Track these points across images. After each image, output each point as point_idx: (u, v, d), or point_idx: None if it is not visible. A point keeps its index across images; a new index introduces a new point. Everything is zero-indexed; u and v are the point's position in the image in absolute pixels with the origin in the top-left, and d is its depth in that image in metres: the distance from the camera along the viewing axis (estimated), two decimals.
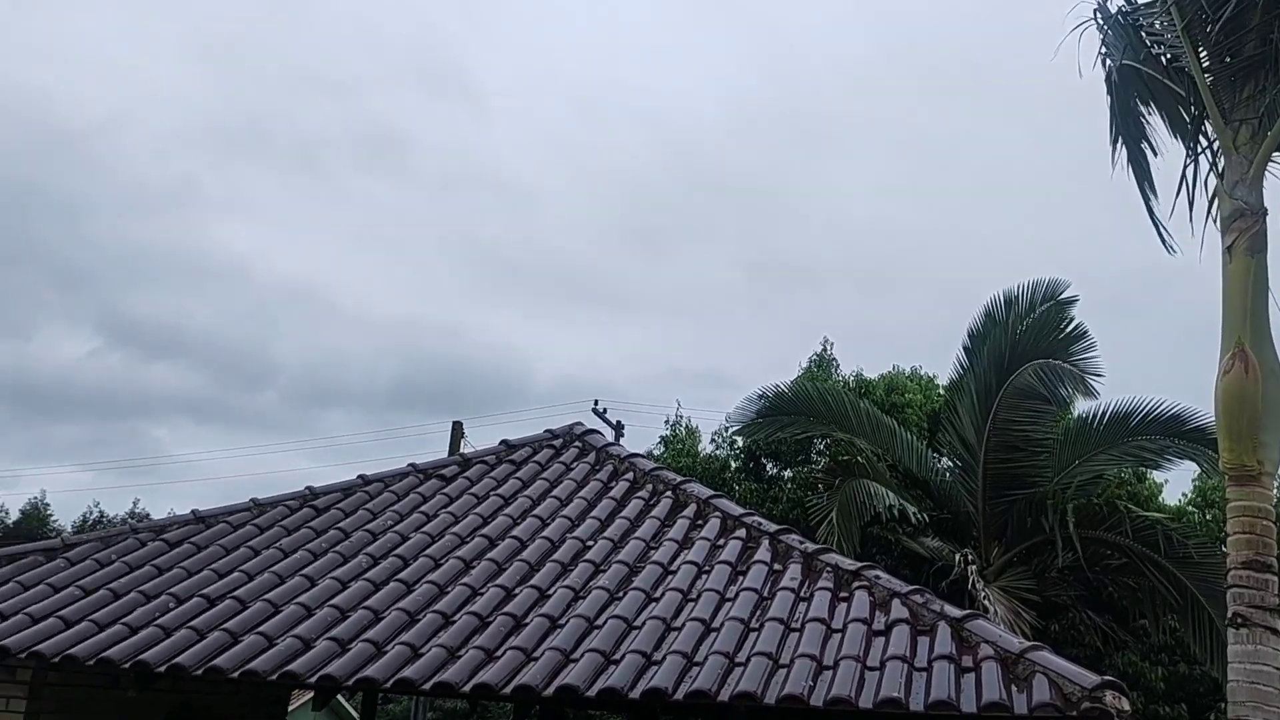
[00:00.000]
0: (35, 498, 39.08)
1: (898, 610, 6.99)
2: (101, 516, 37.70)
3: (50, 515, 38.44)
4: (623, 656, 6.55)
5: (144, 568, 7.87)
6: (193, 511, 8.83)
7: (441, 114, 75.51)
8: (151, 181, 70.19)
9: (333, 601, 7.35)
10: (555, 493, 9.52)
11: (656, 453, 20.69)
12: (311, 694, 7.31)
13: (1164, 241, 10.33)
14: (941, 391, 18.64)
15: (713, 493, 9.50)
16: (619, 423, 33.65)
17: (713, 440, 20.74)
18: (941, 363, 21.22)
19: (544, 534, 8.60)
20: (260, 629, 6.96)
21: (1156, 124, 10.43)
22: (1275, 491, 9.84)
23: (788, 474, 19.11)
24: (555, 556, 8.20)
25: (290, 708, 10.64)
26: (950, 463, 17.18)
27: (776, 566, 7.95)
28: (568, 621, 7.07)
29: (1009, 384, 14.82)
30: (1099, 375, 15.37)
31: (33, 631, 6.92)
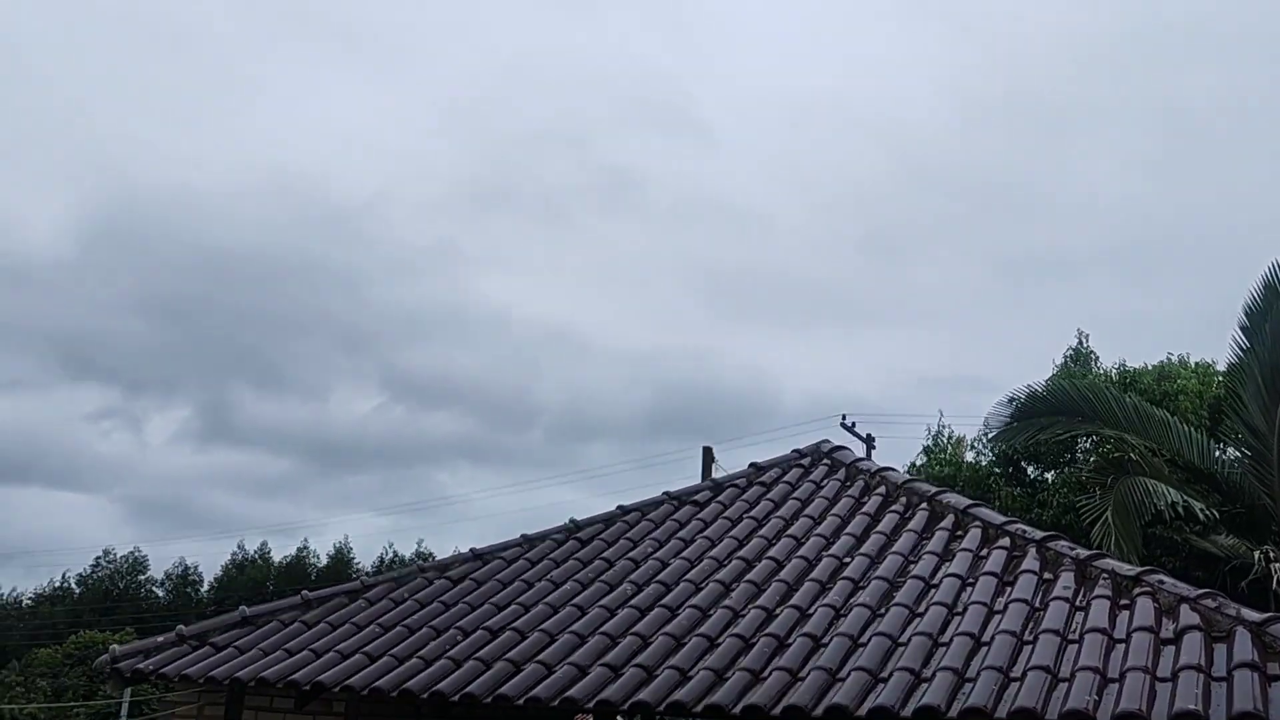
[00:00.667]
0: (339, 543, 42.71)
1: (1187, 616, 6.56)
2: (395, 557, 40.74)
3: (353, 558, 41.91)
4: (890, 674, 6.47)
5: (432, 604, 8.49)
6: (471, 550, 9.44)
7: (671, 149, 77.60)
8: (416, 246, 75.90)
9: (603, 629, 7.67)
10: (808, 511, 9.53)
11: (919, 464, 20.21)
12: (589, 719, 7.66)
13: None
14: (1220, 377, 17.23)
15: (971, 501, 9.23)
16: (869, 436, 33.10)
17: (971, 447, 20.06)
18: (1217, 348, 19.59)
19: (800, 553, 8.63)
20: (539, 658, 7.35)
21: None
22: None
23: (1050, 476, 18.19)
24: (813, 575, 8.20)
25: None
26: (1238, 453, 15.84)
27: (1046, 575, 7.64)
28: (831, 640, 7.05)
29: None
30: None
31: (343, 667, 7.61)
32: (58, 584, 45.62)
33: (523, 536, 9.58)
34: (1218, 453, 16.20)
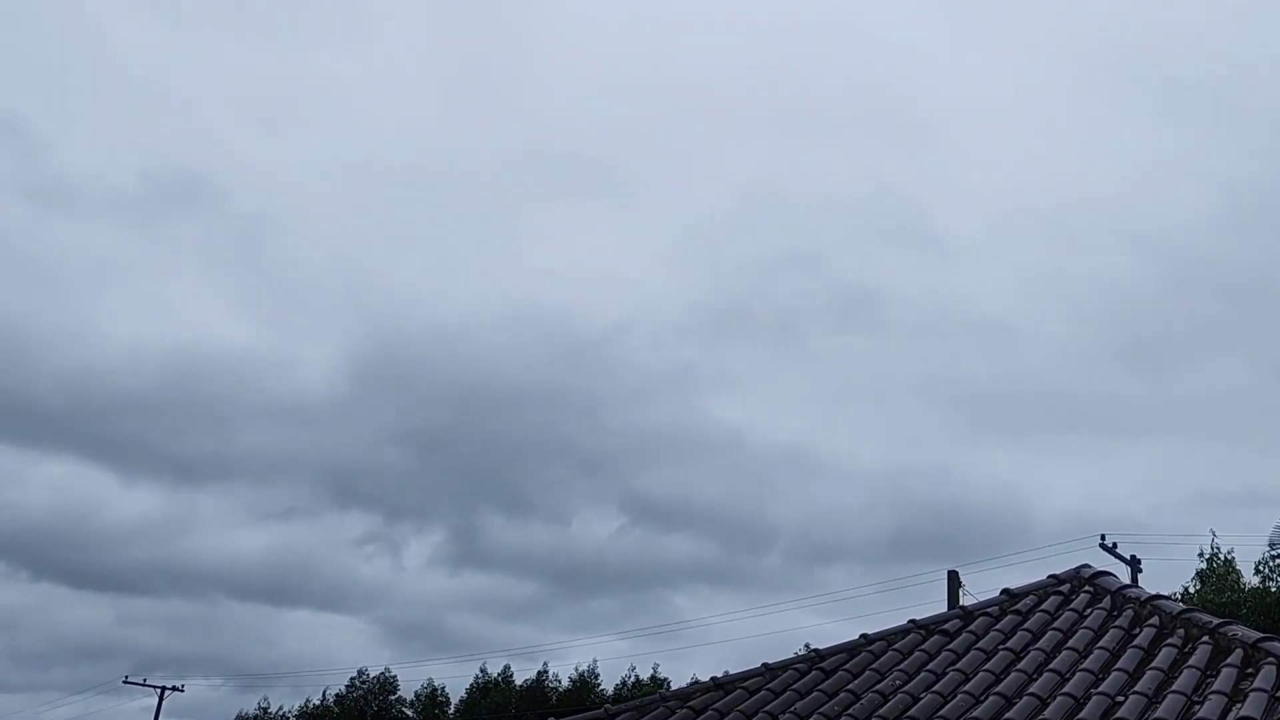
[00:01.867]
0: (583, 666, 43.17)
1: None
2: (636, 681, 40.75)
3: (598, 683, 42.26)
4: None
5: None
6: (712, 679, 9.34)
7: (909, 265, 77.21)
8: (653, 371, 78.32)
9: None
10: (1070, 644, 8.87)
11: (1192, 590, 18.53)
12: None
13: None
14: None
15: (1263, 635, 8.33)
16: (1134, 557, 30.66)
17: (1257, 571, 18.19)
18: None
19: (1065, 690, 8.02)
20: None
21: None
22: None
23: None
24: (1081, 715, 7.59)
25: None
26: None
27: None
28: None
29: None
30: None
31: None
32: (316, 702, 48.16)
33: (764, 666, 9.38)
34: None
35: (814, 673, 9.16)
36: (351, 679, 47.62)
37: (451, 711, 45.36)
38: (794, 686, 8.94)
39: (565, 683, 42.84)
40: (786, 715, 8.41)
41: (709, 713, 8.68)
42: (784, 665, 9.38)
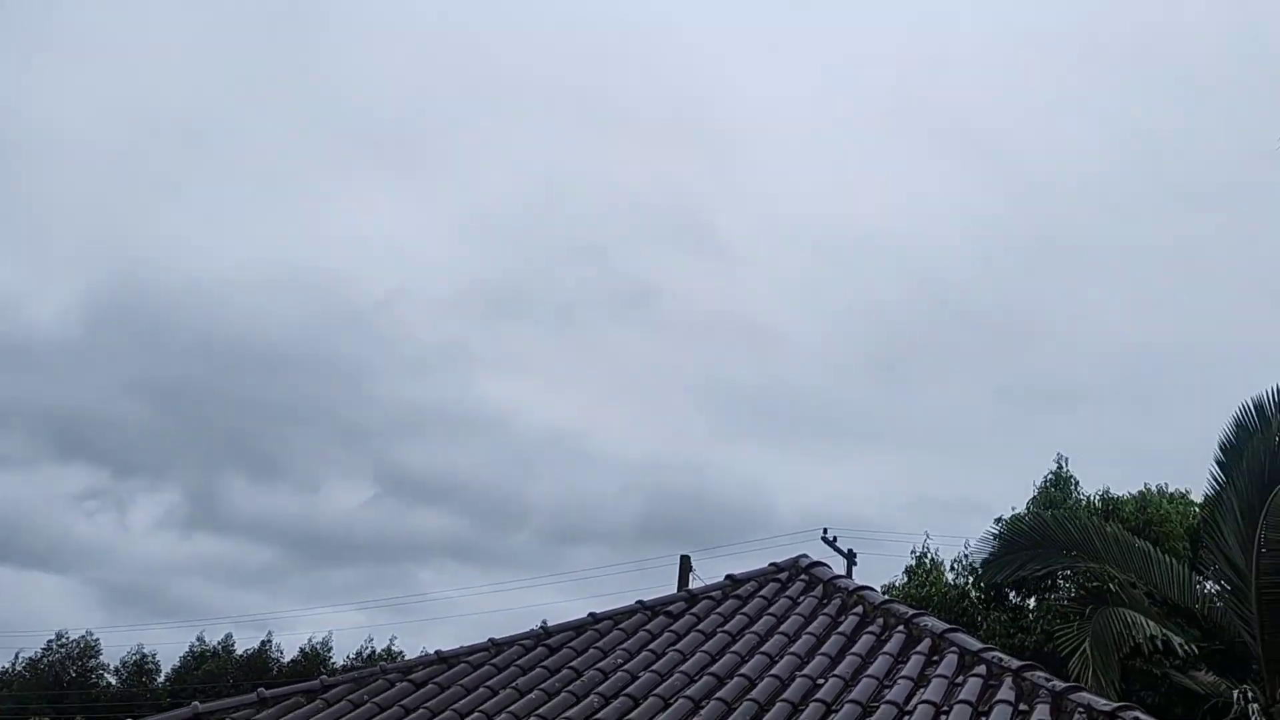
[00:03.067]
0: (315, 638, 41.67)
1: None
2: (373, 653, 39.73)
3: (330, 655, 40.87)
4: None
5: (393, 708, 8.25)
6: (436, 652, 9.22)
7: (690, 265, 79.18)
8: (425, 344, 76.70)
9: None
10: (782, 629, 9.37)
11: (899, 583, 20.03)
12: None
13: None
14: (1197, 508, 17.25)
15: (949, 626, 9.10)
16: (851, 552, 32.84)
17: (952, 569, 19.90)
18: (1196, 478, 19.64)
19: (772, 672, 8.46)
20: None
21: None
22: None
23: (1032, 603, 18.02)
24: (785, 696, 8.02)
25: None
26: (1217, 587, 15.75)
27: (1022, 707, 7.49)
28: None
29: (1272, 500, 13.55)
30: None
31: None
32: (4, 666, 44.22)
33: (490, 641, 9.37)
34: (1197, 586, 16.09)
35: (540, 649, 9.23)
36: (49, 642, 44.01)
37: (161, 680, 42.78)
38: (519, 662, 8.98)
39: (295, 653, 41.31)
40: (508, 690, 8.43)
41: (430, 686, 8.58)
42: (511, 641, 9.40)
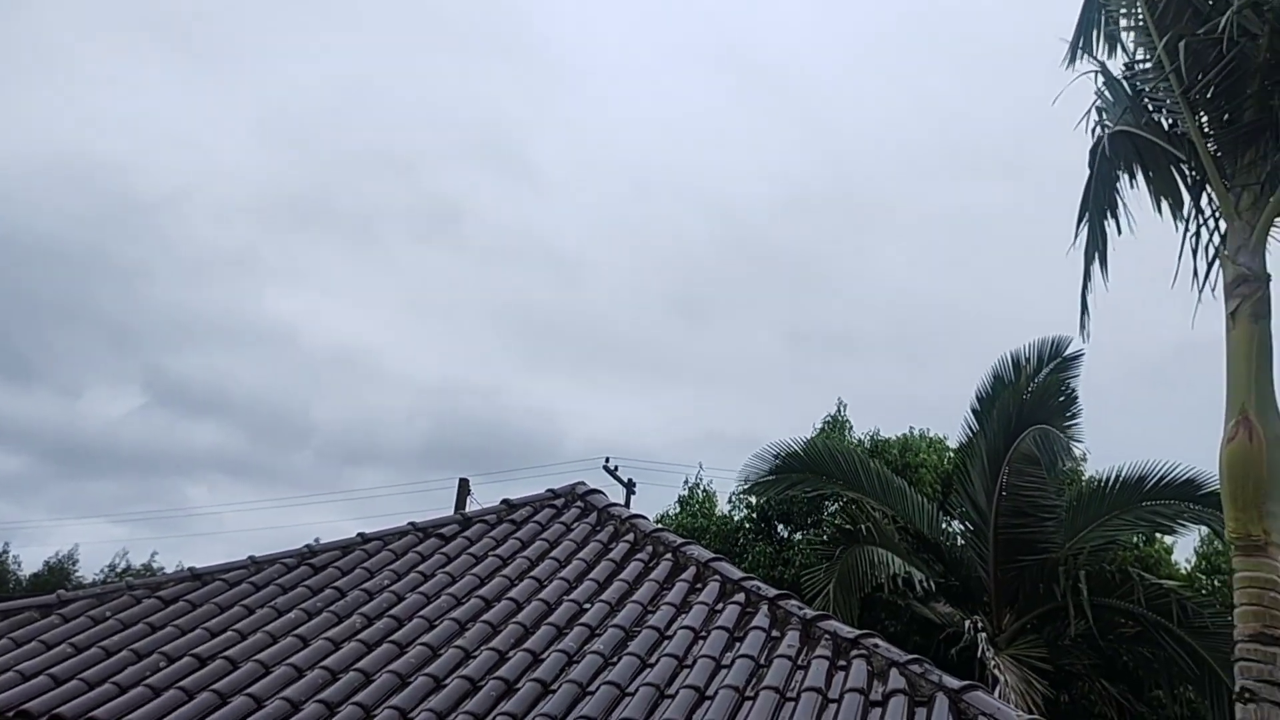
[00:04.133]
0: (61, 552, 39.12)
1: (895, 680, 6.87)
2: (128, 568, 37.69)
3: (76, 569, 38.47)
4: None
5: (137, 625, 7.82)
6: (189, 569, 8.80)
7: (500, 190, 77.20)
8: (212, 250, 71.98)
9: (324, 663, 7.28)
10: (554, 554, 9.46)
11: (673, 513, 20.56)
12: None
13: (1083, 327, 10.45)
14: (952, 454, 18.50)
15: (713, 556, 9.41)
16: (630, 481, 33.55)
17: (729, 501, 20.63)
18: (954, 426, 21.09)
19: (540, 596, 8.53)
20: (249, 690, 6.89)
21: (1140, 195, 10.51)
22: None
23: (799, 536, 18.95)
24: (551, 619, 8.11)
25: None
26: (962, 527, 17.00)
27: (775, 633, 7.85)
28: (560, 687, 6.97)
29: (1014, 449, 14.70)
30: (1079, 442, 15.86)
31: (21, 690, 6.86)
32: None
33: (250, 558, 9.02)
34: (945, 525, 17.32)
35: (304, 568, 8.96)
36: None
37: None
38: (279, 581, 8.69)
39: (38, 567, 38.78)
40: (265, 609, 8.15)
41: (180, 604, 8.19)
42: (272, 559, 9.08)
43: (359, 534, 9.65)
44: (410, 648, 7.56)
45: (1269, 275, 9.09)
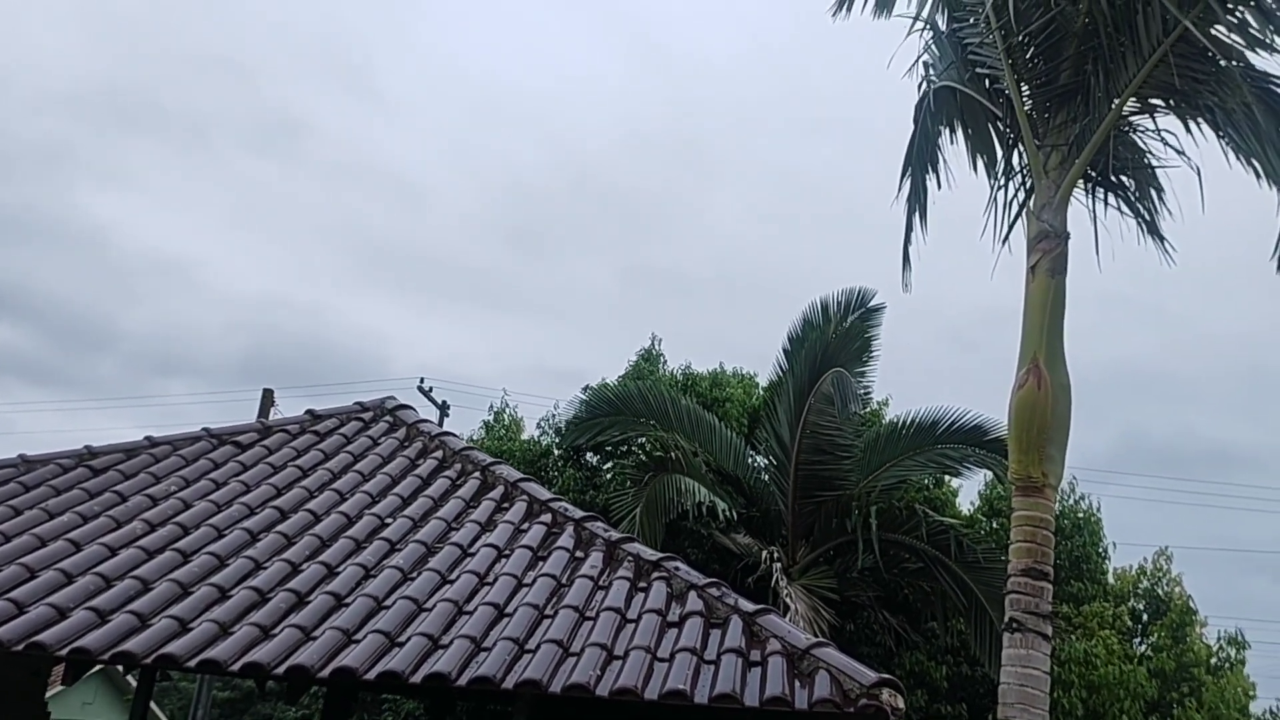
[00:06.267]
0: None
1: (693, 602, 6.99)
2: None
3: None
4: (408, 639, 6.31)
5: None
6: None
7: (343, 108, 73.51)
8: (18, 141, 65.73)
9: (98, 569, 6.83)
10: (358, 467, 9.16)
11: (476, 437, 20.32)
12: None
13: (904, 279, 10.89)
14: (762, 392, 18.97)
15: (522, 476, 9.32)
16: (445, 403, 33.05)
17: (539, 427, 20.55)
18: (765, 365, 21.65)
19: (340, 509, 8.25)
20: (11, 595, 6.39)
21: (959, 152, 10.90)
22: (1056, 504, 10.34)
23: (609, 465, 19.10)
24: (350, 533, 7.87)
25: (61, 686, 9.88)
26: (766, 461, 17.51)
27: (579, 554, 7.85)
28: (354, 600, 6.78)
29: (817, 389, 15.19)
30: (868, 388, 16.78)
31: None
32: None
33: (20, 457, 8.35)
34: (750, 460, 17.80)
35: (81, 469, 8.36)
36: None
37: None
38: (52, 482, 8.08)
39: None
40: (35, 510, 7.56)
41: None
42: (46, 459, 8.44)
43: (146, 437, 9.07)
44: (195, 556, 7.19)
45: (1068, 233, 9.60)
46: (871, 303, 16.57)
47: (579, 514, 8.48)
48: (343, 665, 5.98)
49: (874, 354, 16.80)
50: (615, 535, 8.12)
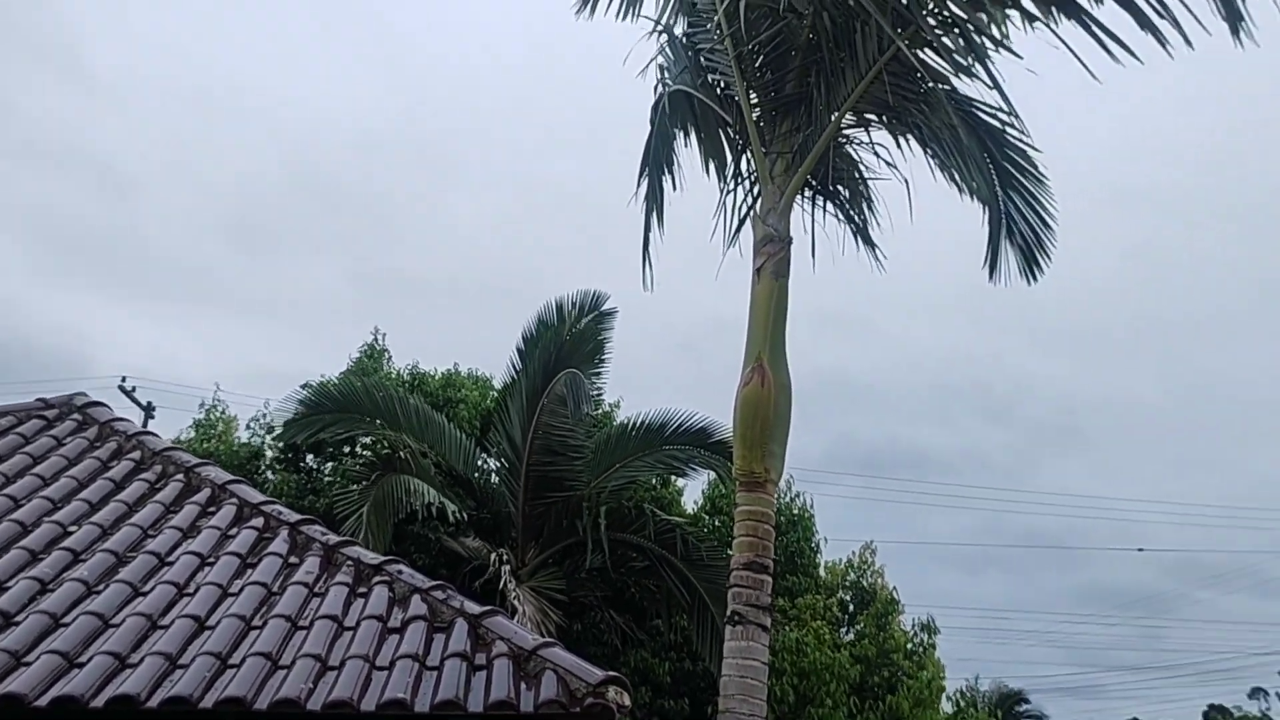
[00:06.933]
0: None
1: (417, 606, 6.66)
2: None
3: None
4: (90, 659, 5.63)
5: None
6: None
7: (46, 86, 66.15)
8: None
9: None
10: (38, 470, 8.16)
11: (184, 438, 18.86)
12: None
13: (645, 278, 11.11)
14: (496, 393, 18.71)
15: (232, 478, 8.61)
16: (150, 404, 30.67)
17: (248, 427, 19.30)
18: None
19: (14, 517, 7.31)
20: None
21: (693, 155, 11.16)
22: (776, 500, 10.72)
23: (329, 466, 18.23)
24: (24, 543, 6.98)
25: None
26: (497, 463, 17.26)
27: (293, 559, 7.32)
28: (25, 619, 5.99)
29: (550, 389, 15.14)
30: (599, 389, 16.88)
31: None
32: None
33: None
34: (481, 461, 17.49)
35: None
36: None
37: None
38: None
39: None
40: None
41: None
42: None
43: None
44: None
45: (791, 238, 9.99)
46: (605, 306, 16.70)
47: (295, 517, 7.93)
48: (9, 692, 5.23)
49: (607, 356, 16.96)
50: (334, 539, 7.63)
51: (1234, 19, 8.08)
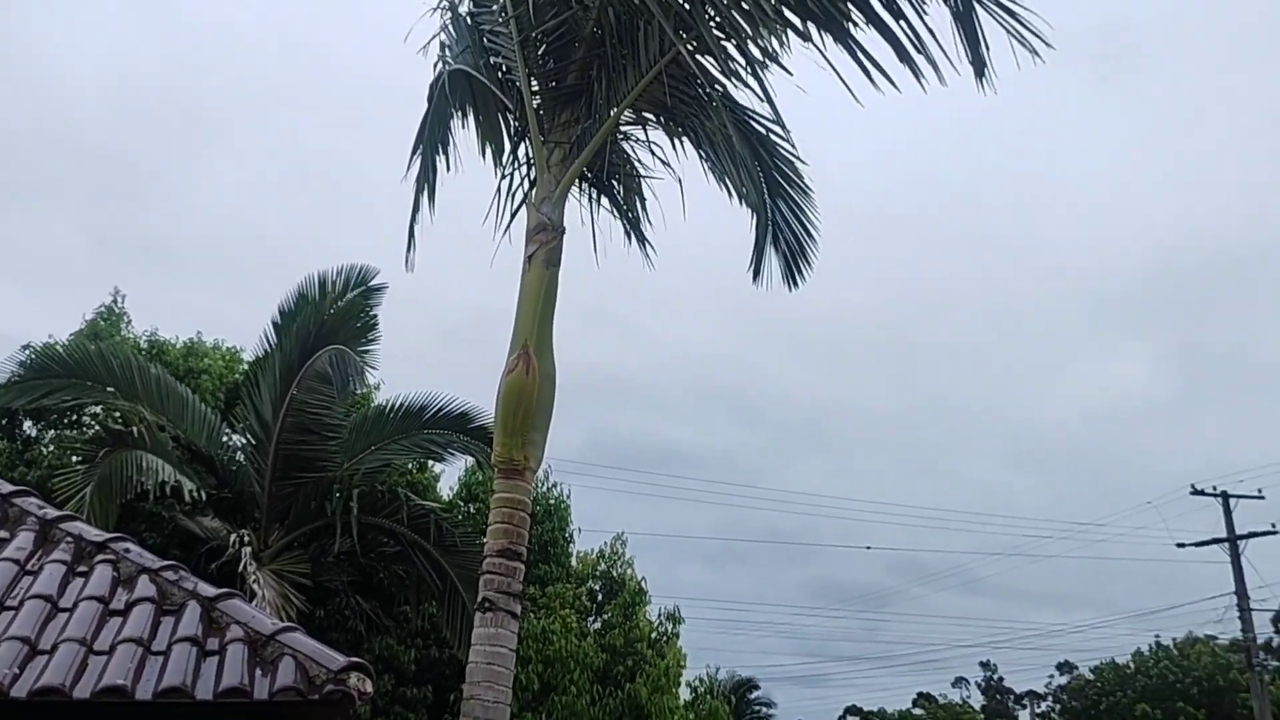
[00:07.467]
0: None
1: (144, 588, 6.22)
2: None
3: None
4: None
5: None
6: None
7: None
8: None
9: None
10: None
11: None
12: None
13: (408, 259, 10.97)
14: (246, 366, 17.77)
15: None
16: None
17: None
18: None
19: None
20: None
21: (470, 137, 11.00)
22: (535, 488, 10.75)
23: (50, 435, 16.79)
24: None
25: None
26: (243, 440, 16.41)
27: (2, 534, 6.69)
28: None
29: (309, 366, 14.52)
30: (374, 368, 16.33)
31: None
32: None
33: None
34: (226, 438, 16.58)
35: None
36: None
37: None
38: None
39: None
40: None
41: None
42: None
43: None
44: None
45: (564, 228, 10.00)
46: (373, 282, 16.11)
47: (8, 488, 7.25)
48: None
49: (376, 335, 16.36)
50: (52, 513, 7.02)
51: (979, 65, 8.72)
